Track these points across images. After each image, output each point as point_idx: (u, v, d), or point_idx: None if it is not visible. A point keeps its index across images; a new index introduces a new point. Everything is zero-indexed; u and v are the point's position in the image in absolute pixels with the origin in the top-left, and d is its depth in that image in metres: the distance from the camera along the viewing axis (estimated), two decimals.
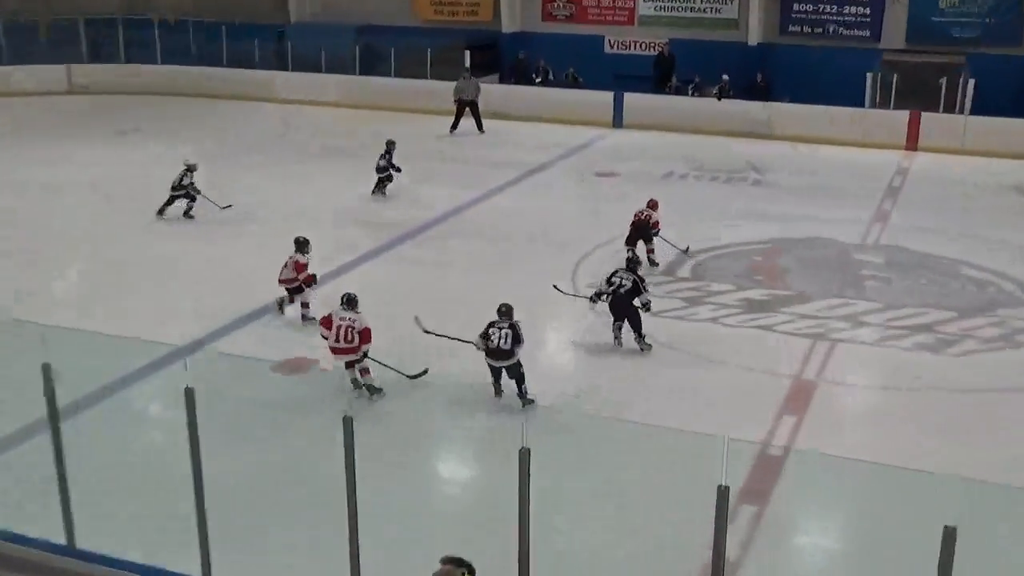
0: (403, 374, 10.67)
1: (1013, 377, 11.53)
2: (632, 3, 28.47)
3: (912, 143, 23.55)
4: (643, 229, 14.96)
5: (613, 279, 12.16)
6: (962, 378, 11.50)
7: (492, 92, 25.80)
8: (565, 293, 13.21)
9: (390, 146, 18.55)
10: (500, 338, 10.41)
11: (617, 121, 25.79)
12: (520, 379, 10.51)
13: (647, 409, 10.47)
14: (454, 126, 24.78)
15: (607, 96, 25.95)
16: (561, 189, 19.79)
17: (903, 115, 23.69)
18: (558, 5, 29.26)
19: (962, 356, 12.06)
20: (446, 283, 14.21)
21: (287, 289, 12.85)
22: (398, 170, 18.42)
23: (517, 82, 27.48)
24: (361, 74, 28.25)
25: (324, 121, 26.17)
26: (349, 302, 10.65)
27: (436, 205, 17.91)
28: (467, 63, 26.54)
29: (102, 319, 12.23)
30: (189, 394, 6.70)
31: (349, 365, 10.61)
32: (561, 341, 12.62)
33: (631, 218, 15.03)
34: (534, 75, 27.34)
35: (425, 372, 10.80)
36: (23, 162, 20.85)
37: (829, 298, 13.81)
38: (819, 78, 25.09)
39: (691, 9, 27.97)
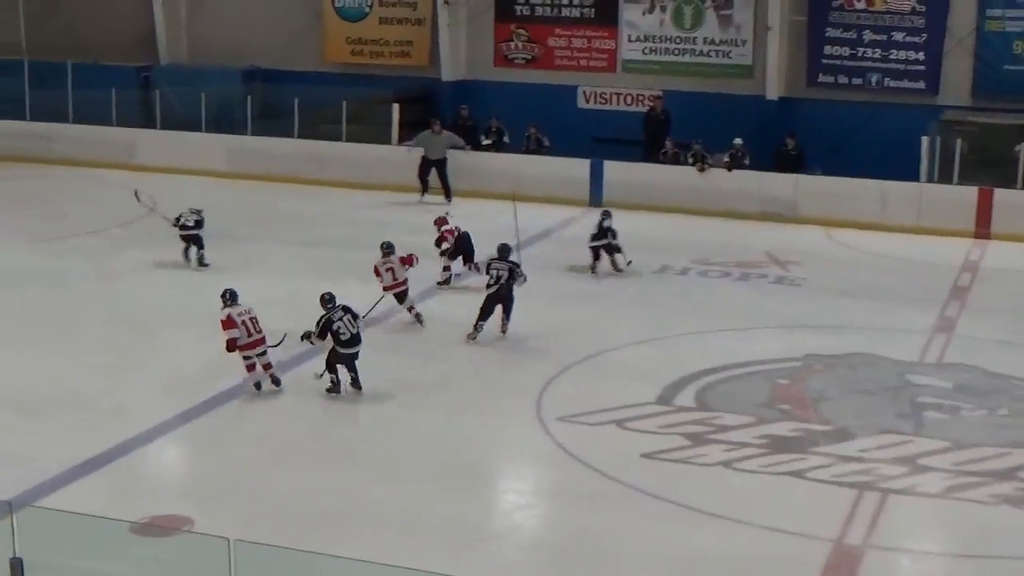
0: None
1: None
2: (614, 44, 29.03)
3: (983, 228, 24.06)
4: (467, 242, 18.95)
5: (491, 270, 16.20)
6: None
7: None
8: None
9: (605, 217, 20.57)
10: (345, 324, 13.75)
11: (595, 198, 26.16)
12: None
13: None
14: (424, 190, 26.31)
15: (582, 165, 26.40)
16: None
17: (970, 192, 24.21)
18: (516, 46, 29.80)
19: None
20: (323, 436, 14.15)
21: (395, 295, 16.82)
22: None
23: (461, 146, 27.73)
24: (253, 134, 28.57)
25: (202, 195, 26.11)
26: (232, 296, 14.27)
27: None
28: (395, 118, 26.97)
29: None
30: (16, 566, 6.58)
31: (261, 356, 14.22)
32: (514, 498, 12.65)
33: (445, 241, 18.99)
34: (483, 137, 27.61)
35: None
36: None
37: (879, 434, 13.90)
38: (859, 144, 25.74)
39: (691, 52, 28.45)
